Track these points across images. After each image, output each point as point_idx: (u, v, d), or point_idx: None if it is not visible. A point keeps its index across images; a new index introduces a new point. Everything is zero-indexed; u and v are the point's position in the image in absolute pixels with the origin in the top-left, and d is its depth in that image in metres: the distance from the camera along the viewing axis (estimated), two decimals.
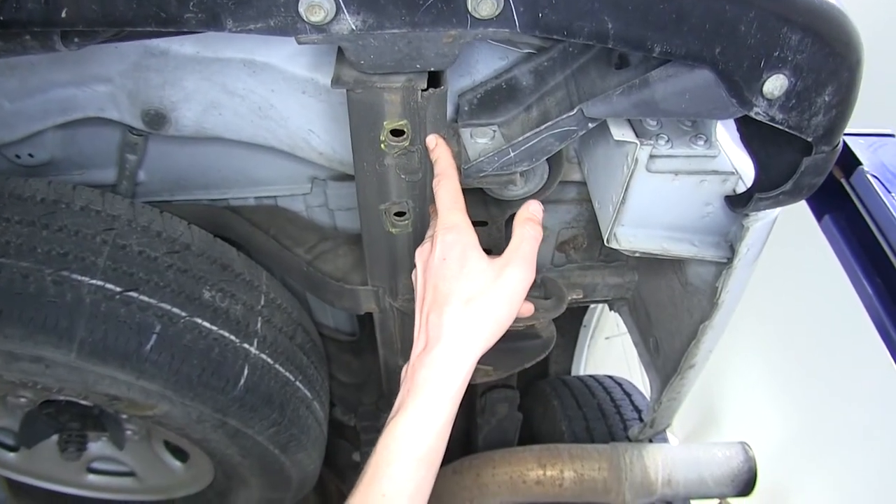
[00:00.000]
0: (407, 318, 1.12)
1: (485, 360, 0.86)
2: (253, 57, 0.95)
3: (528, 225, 0.81)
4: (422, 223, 0.95)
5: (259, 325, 1.18)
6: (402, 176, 0.86)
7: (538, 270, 0.82)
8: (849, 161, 1.14)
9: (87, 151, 1.20)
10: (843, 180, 1.14)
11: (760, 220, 0.89)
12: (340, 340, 1.61)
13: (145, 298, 1.04)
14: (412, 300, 1.05)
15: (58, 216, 1.00)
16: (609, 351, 3.07)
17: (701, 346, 1.12)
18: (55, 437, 1.45)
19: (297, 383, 1.25)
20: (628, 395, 1.70)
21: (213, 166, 1.25)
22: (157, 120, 1.08)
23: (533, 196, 1.07)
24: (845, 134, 0.81)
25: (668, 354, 1.24)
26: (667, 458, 1.23)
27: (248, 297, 1.18)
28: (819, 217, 1.86)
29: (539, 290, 1.14)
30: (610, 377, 1.85)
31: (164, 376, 1.04)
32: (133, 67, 0.99)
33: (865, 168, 1.12)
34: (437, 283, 0.79)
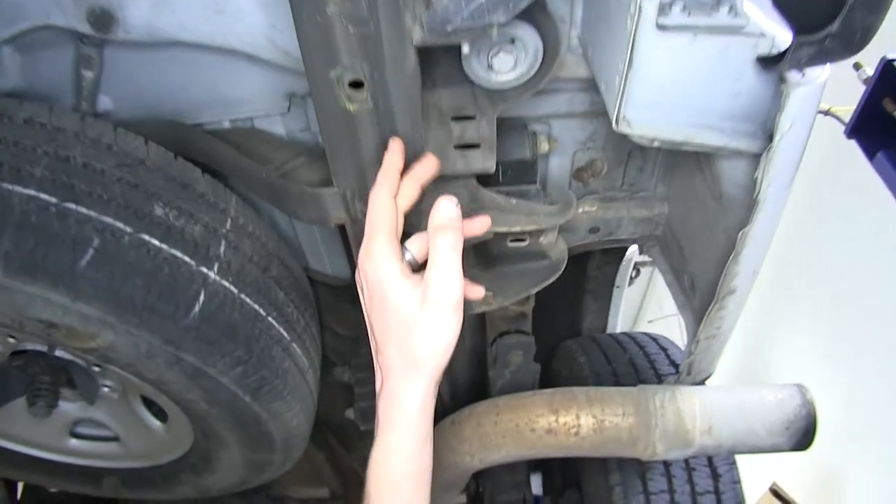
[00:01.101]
0: None
1: (485, 283, 0.85)
2: None
3: (440, 234, 0.77)
4: (384, 99, 0.80)
5: (222, 249, 1.04)
6: (350, 29, 0.71)
7: None
8: None
9: (49, 78, 1.09)
10: None
11: (804, 86, 0.71)
12: (336, 288, 1.46)
13: (84, 210, 0.91)
14: None
15: None
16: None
17: (741, 264, 0.93)
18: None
19: (270, 319, 1.11)
20: (664, 349, 1.51)
21: (179, 86, 1.12)
22: (103, 20, 0.97)
23: (528, 84, 0.91)
24: None
25: (705, 288, 1.06)
26: (706, 402, 1.03)
27: (210, 219, 1.04)
28: (871, 155, 1.65)
29: (542, 197, 0.98)
30: (644, 333, 1.66)
31: (103, 298, 0.91)
32: None
33: None
34: (372, 324, 0.81)
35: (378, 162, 0.86)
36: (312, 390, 1.30)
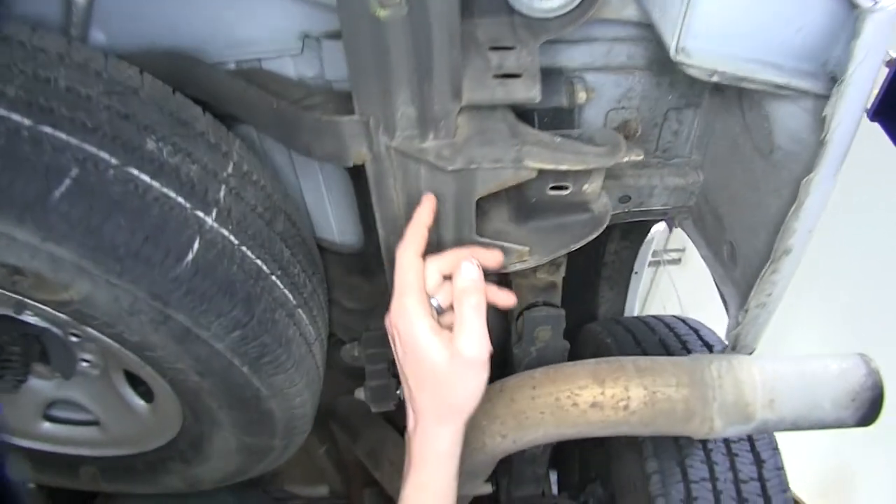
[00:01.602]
0: (410, 174, 0.83)
1: (520, 238, 0.85)
2: None
3: (465, 297, 0.82)
4: (420, 6, 0.67)
5: (222, 193, 0.90)
6: None
7: None
8: None
9: (35, 7, 0.95)
10: None
11: (878, 11, 0.65)
12: (345, 257, 1.32)
13: (62, 136, 0.78)
14: (415, 138, 0.77)
15: None
16: None
17: (801, 219, 0.83)
18: None
19: (274, 278, 0.97)
20: (695, 330, 1.38)
21: (180, 21, 0.98)
22: None
23: (572, 15, 0.79)
24: None
25: (749, 255, 0.98)
26: (767, 372, 0.90)
27: (210, 161, 0.91)
28: None
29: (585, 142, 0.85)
30: (673, 315, 1.53)
31: (78, 238, 0.77)
32: None
33: None
34: (405, 373, 0.86)
35: (408, 78, 0.73)
36: (319, 365, 1.16)
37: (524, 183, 0.88)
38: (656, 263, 4.45)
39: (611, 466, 1.40)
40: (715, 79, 0.77)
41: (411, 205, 0.87)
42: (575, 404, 0.95)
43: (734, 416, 0.89)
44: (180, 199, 0.84)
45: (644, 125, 1.12)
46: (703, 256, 1.20)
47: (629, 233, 1.93)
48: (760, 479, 1.20)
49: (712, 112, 1.07)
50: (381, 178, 0.84)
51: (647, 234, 1.92)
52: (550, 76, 0.94)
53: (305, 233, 1.12)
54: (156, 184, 0.82)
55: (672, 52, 0.75)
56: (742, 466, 1.20)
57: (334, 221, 1.28)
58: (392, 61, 0.73)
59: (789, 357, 0.94)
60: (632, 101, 1.06)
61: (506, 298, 0.91)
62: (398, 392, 1.26)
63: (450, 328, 0.84)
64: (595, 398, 0.94)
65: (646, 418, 0.92)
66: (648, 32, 0.91)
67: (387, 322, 0.87)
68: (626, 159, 0.89)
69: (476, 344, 0.81)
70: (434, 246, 0.91)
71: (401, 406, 0.96)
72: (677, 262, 4.57)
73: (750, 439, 1.23)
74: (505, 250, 0.88)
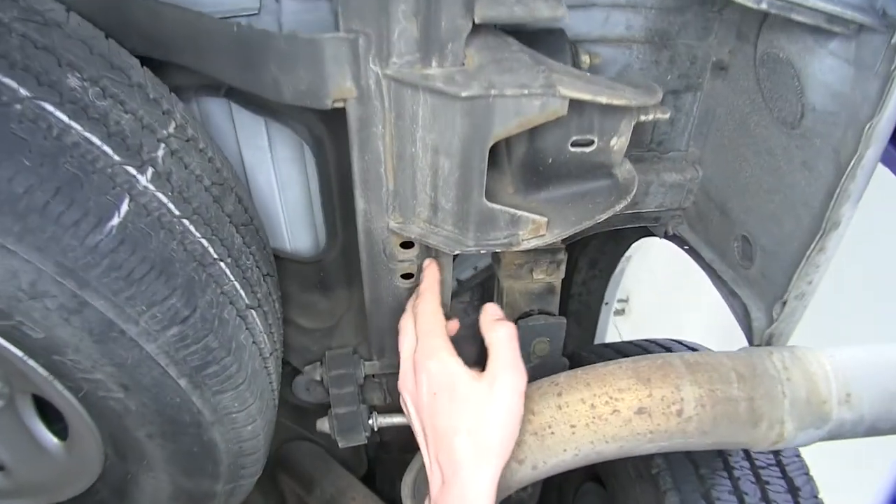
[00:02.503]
0: (405, 116, 0.67)
1: (538, 208, 0.76)
2: None
3: (498, 327, 0.81)
4: None
5: (161, 153, 0.73)
6: None
7: None
8: None
9: None
10: None
11: None
12: (300, 269, 1.14)
13: None
14: (416, 63, 0.62)
15: None
16: None
17: (859, 176, 0.73)
18: None
19: (223, 265, 0.79)
20: (693, 350, 1.23)
21: None
22: None
23: None
24: None
25: (773, 245, 0.90)
26: (838, 361, 0.75)
27: (148, 115, 0.74)
28: None
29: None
30: (667, 338, 1.38)
31: None
32: None
33: None
34: (434, 423, 0.80)
35: None
36: (274, 387, 0.96)
37: (539, 139, 0.73)
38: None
39: (616, 499, 1.21)
40: (763, 6, 0.68)
41: (402, 165, 0.71)
42: (616, 411, 0.77)
43: (807, 416, 0.73)
44: (107, 149, 0.67)
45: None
46: (706, 261, 1.09)
47: (597, 261, 1.81)
48: None
49: (713, 96, 1.00)
50: (367, 124, 0.68)
51: (618, 263, 1.80)
52: (552, 35, 0.82)
53: (258, 223, 0.94)
54: (76, 125, 0.65)
55: None
56: (775, 496, 1.03)
57: (286, 225, 1.10)
58: None
59: (857, 344, 0.80)
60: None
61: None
62: (371, 422, 1.07)
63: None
64: (641, 402, 0.76)
65: (704, 424, 0.75)
66: None
67: (401, 384, 0.85)
68: (653, 116, 0.76)
69: (514, 374, 0.78)
70: (433, 212, 0.75)
71: (358, 454, 0.84)
72: (621, 312, 4.50)
73: (780, 464, 1.08)
74: (518, 220, 0.73)
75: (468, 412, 0.77)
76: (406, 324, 0.87)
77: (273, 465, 1.57)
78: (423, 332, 0.83)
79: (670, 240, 1.22)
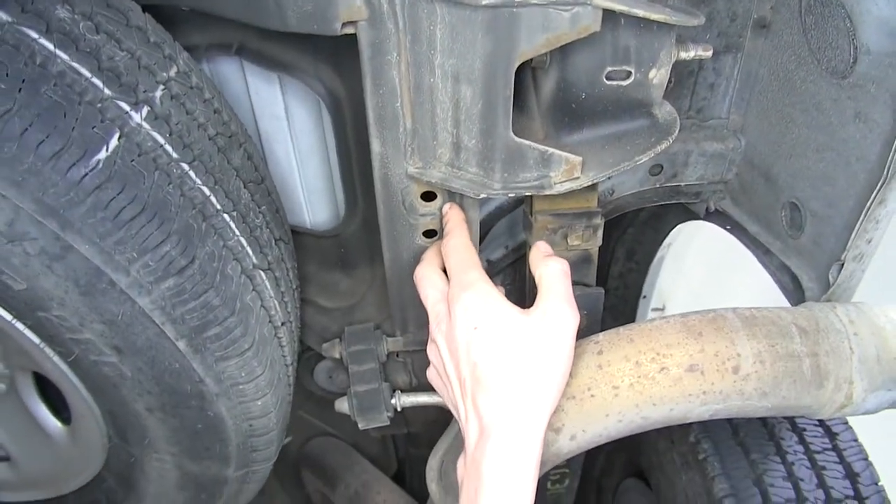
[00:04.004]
0: (422, 36, 0.61)
1: (571, 151, 0.68)
2: None
3: (550, 262, 0.74)
4: None
5: (159, 94, 0.68)
6: None
7: None
8: None
9: None
10: None
11: None
12: (320, 248, 1.08)
13: None
14: None
15: None
16: None
17: None
18: None
19: (227, 217, 0.73)
20: None
21: None
22: None
23: None
24: None
25: (825, 208, 0.84)
26: None
27: (146, 56, 0.69)
28: None
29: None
30: None
31: None
32: None
33: None
34: (475, 360, 0.69)
35: None
36: (288, 362, 0.90)
37: (571, 70, 0.66)
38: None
39: (660, 483, 1.10)
40: None
41: (420, 98, 0.65)
42: (664, 369, 0.68)
43: (878, 376, 0.64)
44: (97, 81, 0.62)
45: (677, 75, 0.96)
46: (752, 234, 1.03)
47: (635, 252, 1.71)
48: (858, 497, 0.94)
49: (755, 56, 0.94)
50: (380, 51, 0.62)
51: (656, 253, 1.70)
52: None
53: (271, 186, 0.89)
54: (63, 55, 0.60)
55: None
56: (833, 482, 0.93)
57: (305, 199, 1.04)
58: None
59: None
60: None
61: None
62: (393, 401, 0.99)
63: None
64: (692, 358, 0.67)
65: (764, 384, 0.66)
66: None
67: (433, 328, 0.75)
68: (694, 53, 0.68)
69: (568, 308, 0.70)
70: (455, 153, 0.69)
71: (386, 451, 0.79)
72: None
73: (836, 449, 0.98)
74: (549, 159, 0.66)
75: (514, 348, 0.68)
76: (425, 271, 0.78)
77: (297, 463, 1.50)
78: (457, 267, 0.74)
79: (711, 219, 1.14)
